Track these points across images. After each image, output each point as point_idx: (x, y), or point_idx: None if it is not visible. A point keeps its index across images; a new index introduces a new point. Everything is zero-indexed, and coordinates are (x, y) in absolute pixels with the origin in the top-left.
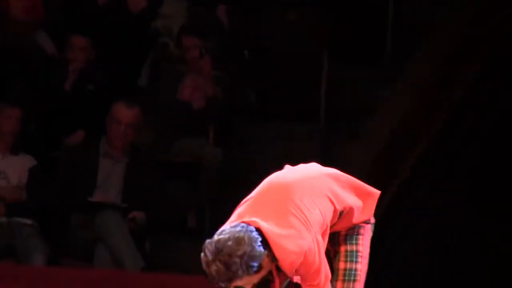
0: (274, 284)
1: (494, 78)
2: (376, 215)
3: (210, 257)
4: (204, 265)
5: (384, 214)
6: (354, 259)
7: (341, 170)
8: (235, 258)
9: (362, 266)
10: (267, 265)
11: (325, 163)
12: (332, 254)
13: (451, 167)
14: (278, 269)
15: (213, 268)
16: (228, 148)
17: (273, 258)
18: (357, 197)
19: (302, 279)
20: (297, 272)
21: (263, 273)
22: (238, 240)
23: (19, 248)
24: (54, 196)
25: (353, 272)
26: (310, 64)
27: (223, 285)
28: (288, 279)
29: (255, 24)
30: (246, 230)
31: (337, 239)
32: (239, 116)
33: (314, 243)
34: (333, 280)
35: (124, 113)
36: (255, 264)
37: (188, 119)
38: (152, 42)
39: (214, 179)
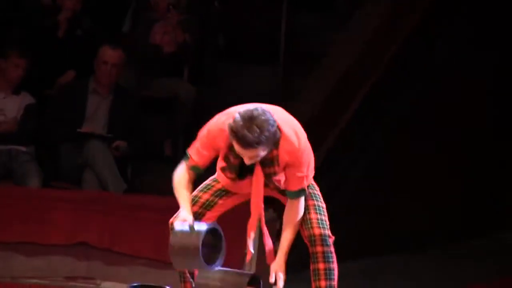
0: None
1: (440, 15)
2: (327, 145)
3: (243, 122)
4: (235, 128)
5: (334, 145)
6: (319, 198)
7: (299, 104)
8: (268, 126)
9: (323, 204)
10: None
11: (284, 99)
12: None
13: (394, 104)
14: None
15: (247, 131)
16: (201, 86)
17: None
18: None
19: (290, 167)
20: (288, 163)
21: (269, 153)
22: (266, 115)
23: (16, 172)
24: (47, 127)
25: (321, 207)
26: (271, 12)
27: (243, 149)
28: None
29: None
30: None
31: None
32: (209, 58)
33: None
34: (306, 213)
35: (110, 54)
36: (277, 137)
37: (161, 61)
38: None
39: (188, 113)
